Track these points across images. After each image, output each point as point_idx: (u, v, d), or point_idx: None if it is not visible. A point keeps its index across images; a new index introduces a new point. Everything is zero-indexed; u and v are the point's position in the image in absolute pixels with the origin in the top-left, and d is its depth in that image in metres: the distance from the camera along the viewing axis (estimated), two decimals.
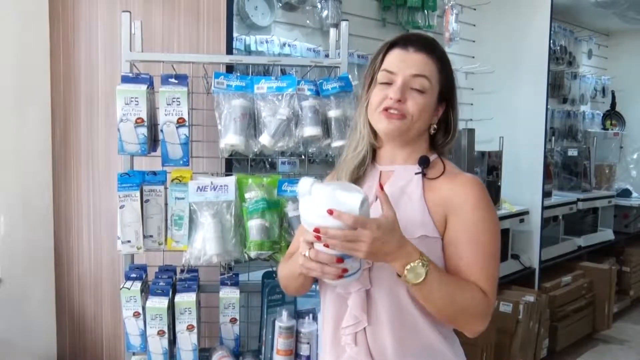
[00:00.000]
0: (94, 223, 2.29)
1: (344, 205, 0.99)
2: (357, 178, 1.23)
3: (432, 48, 1.18)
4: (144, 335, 1.83)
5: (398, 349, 1.12)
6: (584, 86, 5.13)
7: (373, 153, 1.26)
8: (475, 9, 3.84)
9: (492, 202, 1.17)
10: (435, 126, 1.21)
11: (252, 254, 1.82)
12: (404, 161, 1.22)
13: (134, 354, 1.89)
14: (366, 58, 2.74)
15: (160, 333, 1.80)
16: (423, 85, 1.15)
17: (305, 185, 1.05)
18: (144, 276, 1.90)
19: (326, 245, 1.01)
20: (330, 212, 0.98)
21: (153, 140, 1.89)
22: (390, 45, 1.20)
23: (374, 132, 1.23)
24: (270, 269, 1.95)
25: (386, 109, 1.15)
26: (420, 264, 1.03)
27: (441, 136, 1.23)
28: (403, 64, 1.16)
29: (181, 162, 1.84)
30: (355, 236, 0.99)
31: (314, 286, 1.85)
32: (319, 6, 2.82)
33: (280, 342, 1.85)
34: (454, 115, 1.22)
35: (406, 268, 1.03)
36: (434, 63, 1.17)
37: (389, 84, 1.16)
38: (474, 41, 3.87)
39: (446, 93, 1.20)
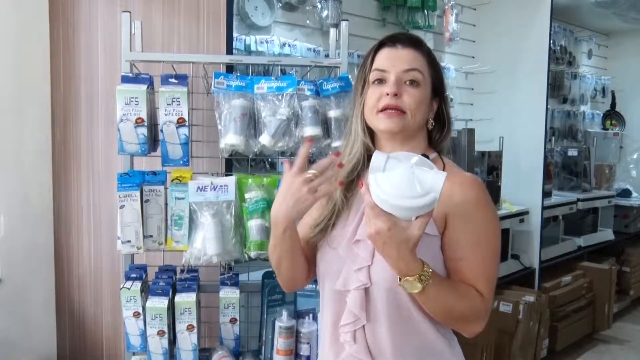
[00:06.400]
0: (94, 223, 2.29)
1: (424, 184, 0.96)
2: (351, 181, 1.23)
3: (419, 44, 1.21)
4: (144, 335, 1.83)
5: (397, 346, 1.13)
6: (584, 86, 5.13)
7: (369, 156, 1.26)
8: (475, 9, 3.84)
9: (492, 202, 1.17)
10: (432, 121, 1.22)
11: (252, 254, 1.82)
12: None
13: (134, 354, 1.89)
14: None
15: (160, 333, 1.80)
16: (416, 78, 1.16)
17: (380, 160, 1.00)
18: (144, 276, 1.90)
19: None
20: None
21: (153, 140, 1.89)
22: (379, 46, 1.22)
23: (371, 135, 1.23)
24: (270, 269, 1.95)
25: (384, 109, 1.16)
26: (418, 278, 1.02)
27: (437, 132, 1.24)
28: (394, 60, 1.17)
29: (181, 162, 1.83)
30: (368, 217, 0.99)
31: (313, 286, 1.86)
32: (319, 6, 2.83)
33: (280, 342, 1.85)
34: (446, 109, 1.23)
35: (404, 279, 1.03)
36: (423, 57, 1.19)
37: (382, 81, 1.17)
38: (474, 41, 3.88)
39: (438, 87, 1.22)
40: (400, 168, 0.98)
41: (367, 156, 1.24)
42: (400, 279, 1.03)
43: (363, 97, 1.21)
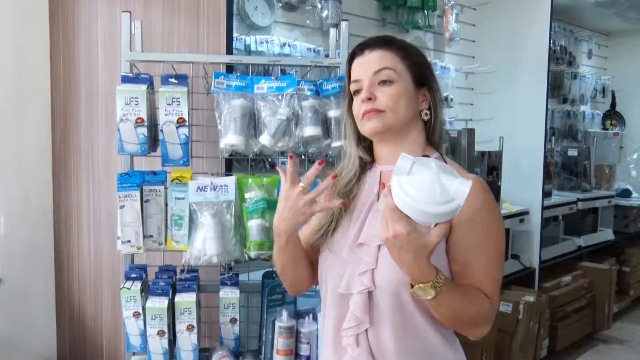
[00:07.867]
0: (94, 223, 2.29)
1: (449, 191, 0.94)
2: (349, 191, 1.24)
3: (386, 42, 1.20)
4: (144, 335, 1.83)
5: (400, 350, 1.12)
6: (584, 86, 5.13)
7: (372, 156, 1.27)
8: (475, 9, 3.84)
9: (496, 203, 1.17)
10: (427, 111, 1.21)
11: (252, 254, 1.82)
12: None
13: (134, 354, 1.89)
14: None
15: (160, 333, 1.81)
16: (388, 76, 1.16)
17: (406, 164, 0.97)
18: (144, 276, 1.90)
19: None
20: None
21: (153, 140, 1.89)
22: (350, 59, 1.23)
23: (368, 147, 1.25)
24: (271, 269, 1.95)
25: (364, 114, 1.17)
26: (432, 285, 1.01)
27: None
28: (363, 67, 1.19)
29: (181, 162, 1.83)
30: (386, 219, 0.97)
31: (314, 286, 1.85)
32: (319, 6, 2.83)
33: (280, 342, 1.85)
34: (433, 98, 1.21)
35: (417, 285, 1.01)
36: (392, 53, 1.18)
37: (359, 91, 1.19)
38: (474, 41, 3.88)
39: (422, 77, 1.20)
40: (426, 173, 0.96)
41: (364, 164, 1.26)
42: (412, 285, 1.02)
43: (350, 112, 1.23)
